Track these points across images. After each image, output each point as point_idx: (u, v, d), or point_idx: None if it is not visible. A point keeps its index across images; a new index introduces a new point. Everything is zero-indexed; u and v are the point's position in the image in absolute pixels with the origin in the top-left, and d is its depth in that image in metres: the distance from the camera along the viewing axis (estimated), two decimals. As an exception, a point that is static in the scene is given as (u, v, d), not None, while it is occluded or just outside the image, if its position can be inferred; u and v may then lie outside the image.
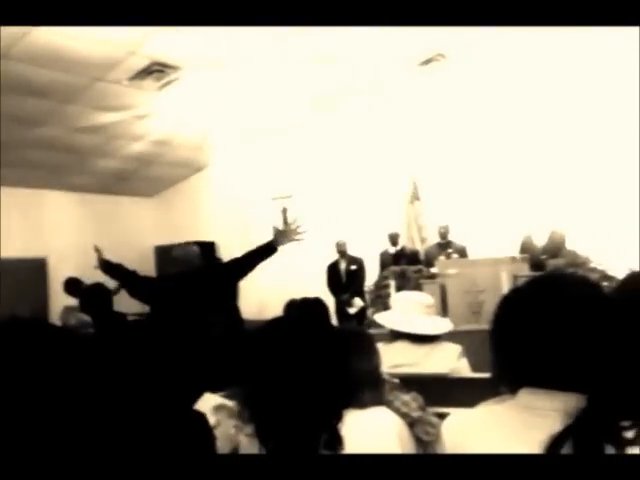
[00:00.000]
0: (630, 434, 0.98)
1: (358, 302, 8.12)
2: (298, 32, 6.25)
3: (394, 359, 2.81)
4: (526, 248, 6.77)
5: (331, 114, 9.28)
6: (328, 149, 9.62)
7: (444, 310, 5.87)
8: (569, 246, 6.61)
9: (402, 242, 8.23)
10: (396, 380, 2.08)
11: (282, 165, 10.09)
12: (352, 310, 8.13)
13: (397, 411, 1.82)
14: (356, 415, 1.49)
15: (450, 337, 3.05)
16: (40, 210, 9.51)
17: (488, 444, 1.10)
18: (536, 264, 6.27)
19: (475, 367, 3.01)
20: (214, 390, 2.21)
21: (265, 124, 9.41)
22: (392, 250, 8.11)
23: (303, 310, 3.26)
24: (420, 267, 7.10)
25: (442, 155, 8.62)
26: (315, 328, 1.50)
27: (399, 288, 6.55)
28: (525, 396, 1.10)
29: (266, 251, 4.37)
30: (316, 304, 3.38)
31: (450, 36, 7.12)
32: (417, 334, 2.90)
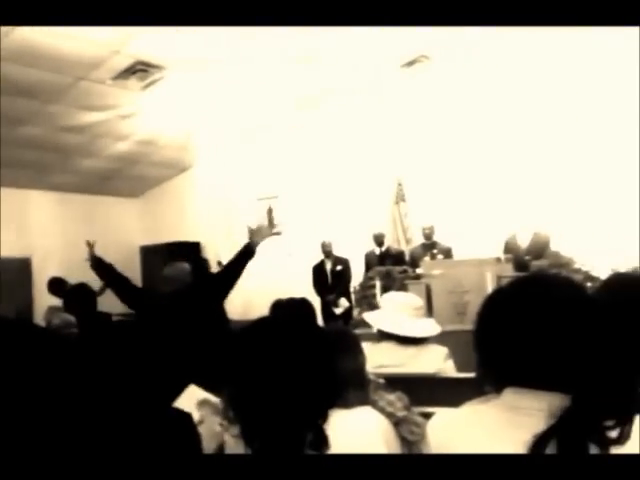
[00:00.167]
0: (614, 433, 0.99)
1: (344, 302, 8.13)
2: (282, 32, 6.24)
3: (380, 359, 2.82)
4: (510, 249, 6.80)
5: (316, 114, 9.28)
6: (313, 150, 9.62)
7: (429, 310, 5.88)
8: (553, 247, 6.65)
9: (387, 243, 8.24)
10: (381, 380, 2.08)
11: (267, 165, 10.08)
12: (338, 310, 8.14)
13: (382, 411, 1.83)
14: (341, 415, 1.49)
15: (435, 337, 3.06)
16: (24, 210, 9.43)
17: (473, 443, 1.11)
18: (520, 265, 6.30)
19: (460, 367, 3.02)
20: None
21: (250, 124, 9.40)
22: (377, 251, 8.12)
23: (289, 310, 3.26)
24: (405, 268, 7.11)
25: (427, 156, 8.65)
26: (301, 328, 1.50)
27: (384, 288, 6.56)
28: (509, 396, 1.10)
29: (245, 255, 4.33)
30: (302, 304, 3.38)
31: (434, 37, 7.14)
32: (404, 336, 2.91)
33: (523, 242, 6.87)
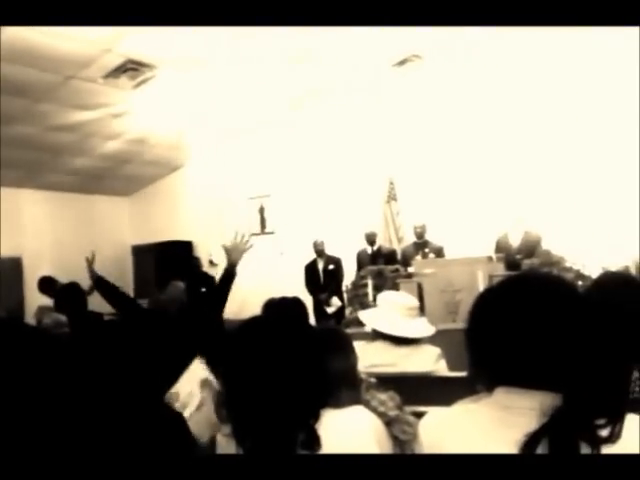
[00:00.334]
0: (605, 432, 1.00)
1: (336, 301, 8.14)
2: (274, 32, 6.24)
3: (373, 359, 2.82)
4: (501, 248, 6.82)
5: (307, 114, 9.29)
6: (305, 149, 9.62)
7: (421, 309, 5.89)
8: (544, 246, 6.67)
9: (379, 242, 8.25)
10: (373, 379, 2.08)
11: (259, 164, 10.08)
12: (330, 309, 8.15)
13: (374, 410, 1.82)
14: (333, 414, 1.49)
15: (428, 337, 3.06)
16: (15, 209, 9.38)
17: (465, 443, 1.11)
18: (511, 264, 6.32)
19: (452, 366, 3.02)
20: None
21: (242, 123, 9.39)
22: (369, 250, 8.12)
23: (281, 310, 3.25)
24: (397, 267, 7.12)
25: (419, 155, 8.66)
26: (292, 328, 1.50)
27: (376, 287, 6.57)
28: (501, 395, 1.10)
29: (227, 279, 4.32)
30: (294, 303, 3.38)
31: (426, 37, 7.15)
32: (399, 336, 2.92)
33: (514, 241, 6.89)
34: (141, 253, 11.02)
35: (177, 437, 1.48)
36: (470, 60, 7.99)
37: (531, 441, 1.00)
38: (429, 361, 2.93)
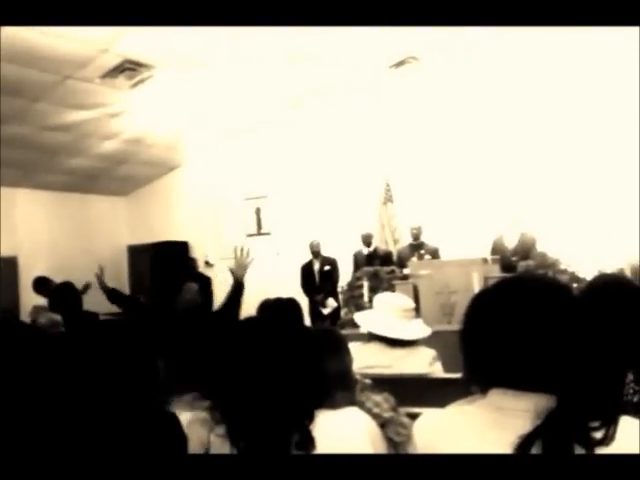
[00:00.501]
0: (599, 434, 1.00)
1: (332, 302, 8.14)
2: (271, 32, 6.23)
3: (369, 360, 2.82)
4: (497, 250, 6.83)
5: (304, 114, 9.29)
6: (302, 150, 9.63)
7: (416, 311, 5.89)
8: (539, 248, 6.68)
9: (375, 243, 8.26)
10: (368, 381, 2.08)
11: (255, 165, 10.08)
12: (326, 310, 8.15)
13: (369, 412, 1.82)
14: (327, 416, 1.49)
15: (424, 338, 3.06)
16: (10, 208, 9.35)
17: (459, 444, 1.11)
18: (507, 265, 6.33)
19: (447, 367, 3.03)
20: (186, 390, 2.20)
21: (238, 124, 9.39)
22: (365, 251, 8.13)
23: (276, 310, 3.25)
24: (393, 268, 7.13)
25: (415, 157, 8.67)
26: (287, 329, 1.50)
27: (372, 289, 6.58)
28: (495, 396, 1.10)
29: (236, 293, 4.43)
30: (289, 304, 3.37)
31: (423, 39, 7.16)
32: (393, 338, 2.92)
33: (510, 243, 6.90)
34: (137, 253, 11.01)
35: (171, 437, 1.47)
36: (467, 62, 7.99)
37: (525, 443, 1.00)
38: (424, 363, 2.93)
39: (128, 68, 6.81)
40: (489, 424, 1.09)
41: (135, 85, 7.29)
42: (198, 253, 10.44)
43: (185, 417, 1.66)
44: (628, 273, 5.82)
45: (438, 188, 8.43)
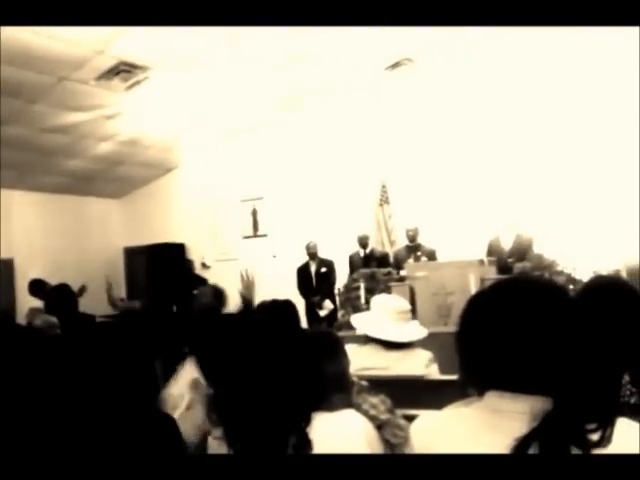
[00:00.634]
0: (595, 436, 1.00)
1: (328, 304, 8.14)
2: (267, 33, 6.24)
3: (365, 362, 2.82)
4: (493, 251, 6.84)
5: (300, 116, 9.30)
6: (298, 152, 9.63)
7: (413, 312, 5.89)
8: (536, 249, 6.68)
9: (372, 245, 8.25)
10: (365, 383, 2.08)
11: (252, 167, 10.08)
12: (322, 312, 8.14)
13: (365, 414, 1.82)
14: (324, 417, 1.49)
15: (420, 340, 3.06)
16: (7, 210, 9.33)
17: (455, 446, 1.11)
18: (503, 267, 6.33)
19: (443, 369, 3.03)
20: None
21: (235, 125, 9.39)
22: (362, 252, 8.13)
23: (273, 312, 3.24)
24: (389, 270, 7.13)
25: (411, 158, 8.68)
26: (284, 331, 1.50)
27: (368, 290, 6.57)
28: (492, 399, 1.10)
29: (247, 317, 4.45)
30: (285, 306, 3.37)
31: (418, 40, 7.17)
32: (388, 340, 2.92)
33: (506, 244, 6.91)
34: (133, 255, 11.00)
35: (167, 438, 1.47)
36: (462, 63, 8.01)
37: (521, 445, 1.00)
38: (421, 365, 2.93)
39: (123, 70, 6.80)
40: (485, 426, 1.09)
41: (130, 87, 7.28)
42: (194, 255, 10.42)
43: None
44: (624, 275, 5.83)
45: (434, 190, 8.43)
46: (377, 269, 7.16)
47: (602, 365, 1.05)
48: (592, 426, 1.00)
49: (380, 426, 1.84)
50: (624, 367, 1.69)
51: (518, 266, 6.29)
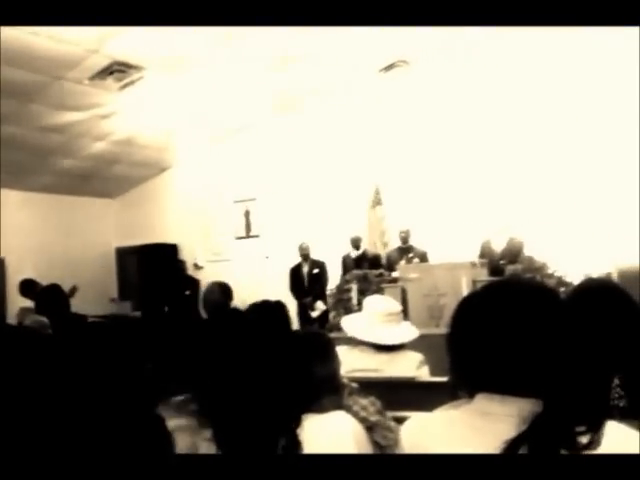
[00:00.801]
0: (585, 439, 1.00)
1: (320, 305, 8.14)
2: (261, 34, 6.23)
3: (356, 364, 2.82)
4: (485, 253, 6.86)
5: (294, 117, 9.30)
6: (291, 153, 9.62)
7: (404, 314, 5.90)
8: (527, 252, 6.71)
9: (364, 246, 8.27)
10: (355, 384, 2.08)
11: (245, 168, 10.06)
12: (314, 313, 8.15)
13: (356, 415, 1.82)
14: (315, 419, 1.49)
15: (411, 341, 3.06)
16: (-1, 210, 9.29)
17: (445, 448, 1.11)
18: (495, 269, 6.35)
19: (434, 371, 3.02)
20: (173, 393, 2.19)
21: (228, 126, 9.37)
22: (354, 254, 8.14)
23: (264, 313, 3.24)
24: (382, 271, 7.15)
25: (404, 160, 8.68)
26: (274, 332, 1.49)
27: (361, 292, 6.58)
28: (481, 401, 1.10)
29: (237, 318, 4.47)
30: (277, 307, 3.36)
31: (412, 42, 7.18)
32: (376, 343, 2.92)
33: (498, 247, 6.93)
34: (125, 255, 10.96)
35: (156, 439, 1.46)
36: (458, 65, 8.03)
37: (510, 448, 1.00)
38: (411, 367, 2.93)
39: (117, 70, 6.78)
40: (475, 429, 1.09)
41: (124, 87, 7.26)
42: (187, 255, 10.40)
43: (171, 423, 1.65)
44: (615, 278, 5.85)
45: (427, 192, 8.44)
46: (369, 270, 7.18)
47: (592, 368, 1.05)
48: (581, 429, 1.00)
49: (370, 428, 1.83)
50: (614, 370, 1.70)
51: (509, 268, 6.32)
